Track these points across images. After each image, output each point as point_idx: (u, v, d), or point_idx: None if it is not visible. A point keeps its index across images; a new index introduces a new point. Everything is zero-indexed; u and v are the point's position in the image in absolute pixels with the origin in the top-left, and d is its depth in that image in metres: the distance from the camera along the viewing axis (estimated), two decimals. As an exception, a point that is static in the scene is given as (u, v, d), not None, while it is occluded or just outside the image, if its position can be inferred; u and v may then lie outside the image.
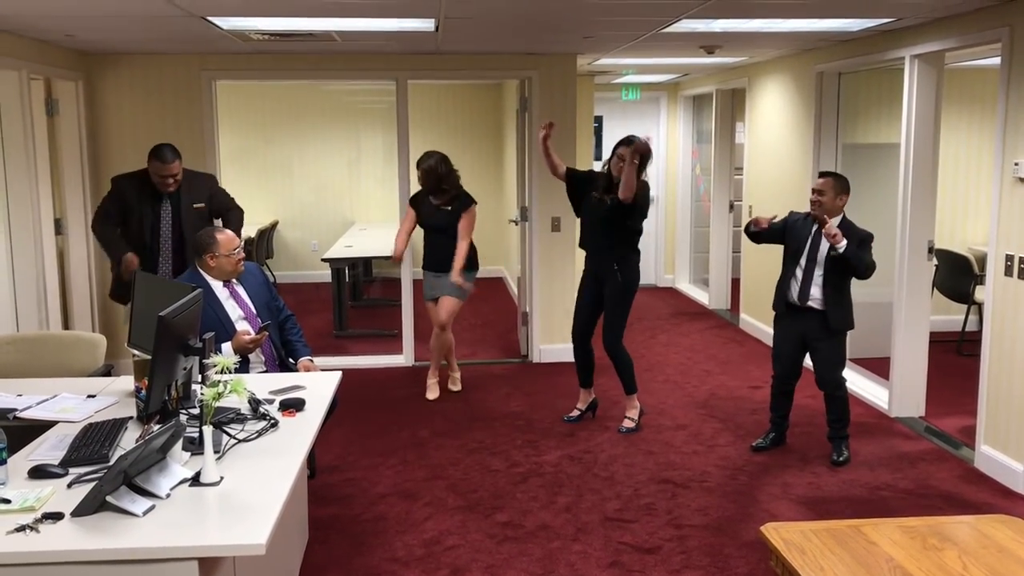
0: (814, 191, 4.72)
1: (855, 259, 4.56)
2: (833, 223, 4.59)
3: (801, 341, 4.85)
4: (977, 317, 6.64)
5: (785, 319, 4.88)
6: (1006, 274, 4.57)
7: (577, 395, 5.64)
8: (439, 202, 5.89)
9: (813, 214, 4.69)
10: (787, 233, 4.84)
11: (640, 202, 5.10)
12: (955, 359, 6.85)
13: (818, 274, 4.70)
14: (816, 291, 4.71)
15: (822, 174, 4.84)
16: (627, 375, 5.41)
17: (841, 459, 4.83)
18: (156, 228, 5.27)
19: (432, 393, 6.14)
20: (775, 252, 5.04)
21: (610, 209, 5.11)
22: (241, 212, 5.58)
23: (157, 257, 5.29)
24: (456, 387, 6.31)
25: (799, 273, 4.75)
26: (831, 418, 4.89)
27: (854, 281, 4.75)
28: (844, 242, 4.54)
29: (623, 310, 5.30)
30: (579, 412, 5.58)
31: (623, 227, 5.16)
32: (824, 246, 4.67)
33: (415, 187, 6.39)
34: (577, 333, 5.47)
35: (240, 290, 4.18)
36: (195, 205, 5.32)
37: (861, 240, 4.63)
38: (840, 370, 4.85)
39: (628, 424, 5.38)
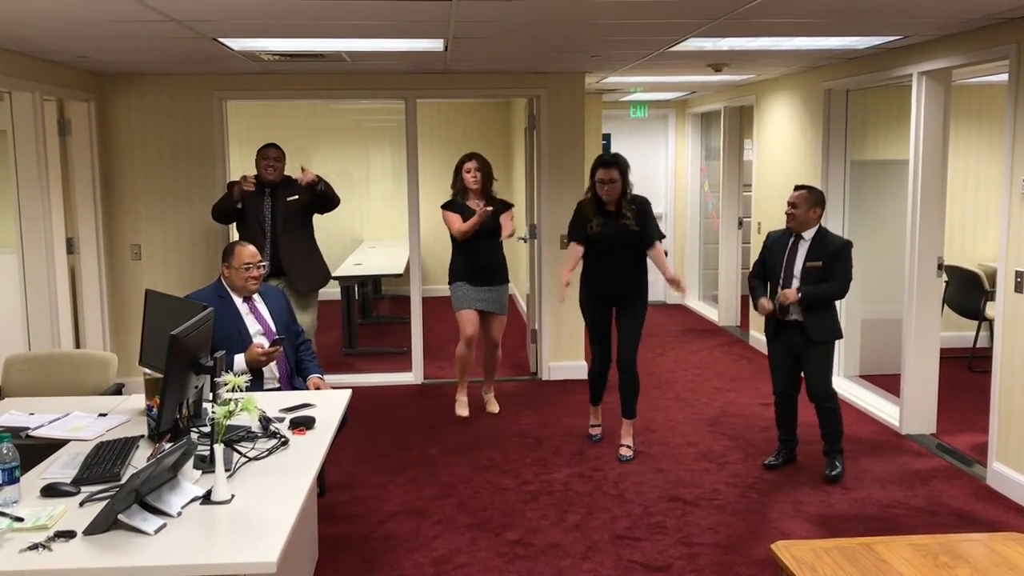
0: (788, 204, 4.80)
1: (815, 295, 4.68)
2: (788, 294, 4.71)
3: (792, 353, 4.88)
4: (988, 333, 6.62)
5: (775, 335, 4.93)
6: (1016, 290, 4.55)
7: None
8: (483, 204, 5.73)
9: (788, 225, 4.82)
10: (769, 254, 4.92)
11: (651, 221, 5.11)
12: (966, 375, 6.81)
13: (795, 287, 4.74)
14: (794, 305, 4.77)
15: (797, 187, 4.87)
16: (636, 397, 5.28)
17: (834, 473, 4.79)
18: (261, 224, 5.83)
19: (464, 410, 6.04)
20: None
21: (622, 238, 5.04)
22: (335, 197, 6.12)
23: (262, 252, 5.56)
24: (495, 408, 6.13)
25: (779, 289, 4.81)
26: (824, 431, 4.87)
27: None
28: (795, 297, 4.69)
29: (641, 329, 5.21)
30: (600, 428, 5.51)
31: (639, 249, 5.09)
32: (799, 259, 4.76)
33: (424, 203, 6.41)
34: (602, 367, 5.32)
35: (260, 306, 4.23)
36: (289, 198, 5.86)
37: (836, 251, 4.71)
38: (828, 380, 4.84)
39: (628, 452, 5.21)
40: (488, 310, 5.89)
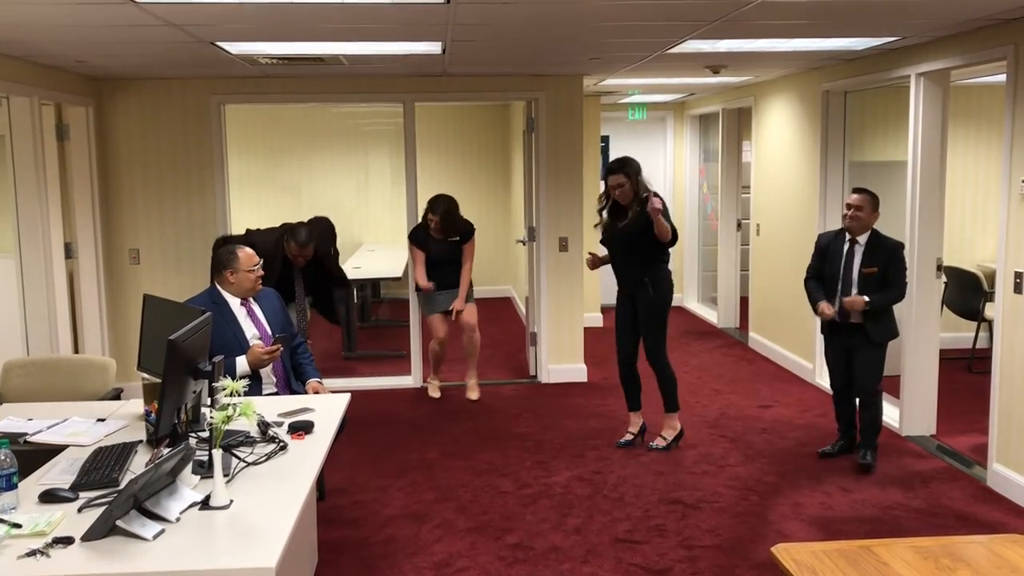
0: (851, 206, 4.81)
1: (882, 303, 4.72)
2: (856, 301, 4.74)
3: (848, 353, 4.96)
4: (987, 334, 6.61)
5: (832, 336, 5.00)
6: (1015, 291, 4.55)
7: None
8: (447, 236, 6.31)
9: (846, 227, 4.85)
10: (824, 256, 4.93)
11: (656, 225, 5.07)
12: (966, 377, 6.81)
13: (855, 293, 4.78)
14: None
15: (856, 190, 4.92)
16: (669, 391, 5.32)
17: (864, 461, 4.90)
18: (290, 273, 5.99)
19: (435, 392, 6.62)
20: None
21: (628, 235, 5.10)
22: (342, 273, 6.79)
23: (293, 294, 6.04)
24: (475, 395, 6.52)
25: (838, 294, 4.86)
26: (862, 424, 5.01)
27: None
28: (863, 305, 4.72)
29: (659, 324, 5.23)
30: (632, 436, 5.42)
31: (645, 245, 5.09)
32: (856, 265, 4.79)
33: (423, 206, 6.41)
34: (622, 359, 5.38)
35: (256, 309, 4.22)
36: (320, 268, 6.18)
37: (891, 253, 4.76)
38: (874, 379, 4.92)
39: (660, 443, 5.31)
40: (456, 307, 6.39)
